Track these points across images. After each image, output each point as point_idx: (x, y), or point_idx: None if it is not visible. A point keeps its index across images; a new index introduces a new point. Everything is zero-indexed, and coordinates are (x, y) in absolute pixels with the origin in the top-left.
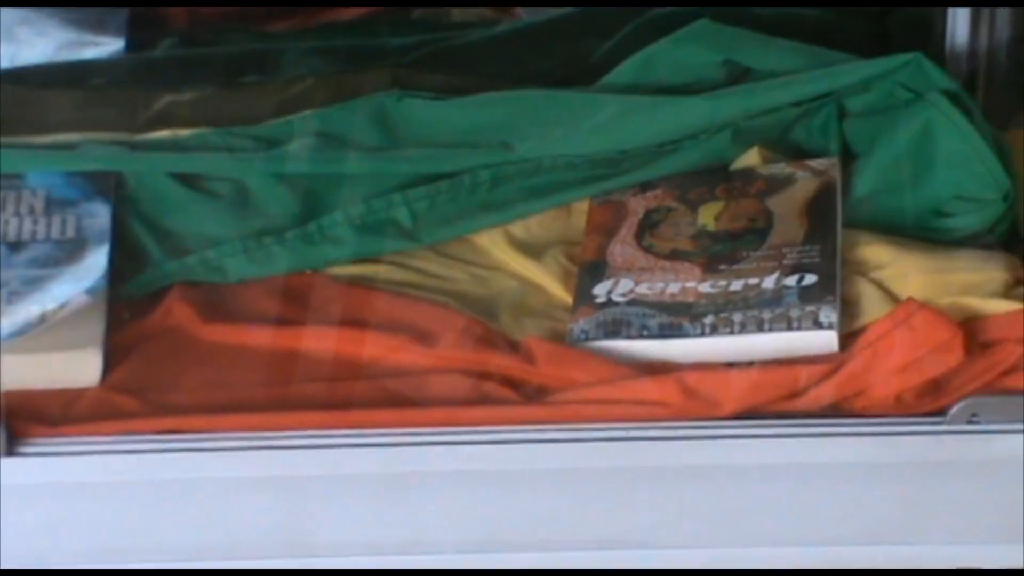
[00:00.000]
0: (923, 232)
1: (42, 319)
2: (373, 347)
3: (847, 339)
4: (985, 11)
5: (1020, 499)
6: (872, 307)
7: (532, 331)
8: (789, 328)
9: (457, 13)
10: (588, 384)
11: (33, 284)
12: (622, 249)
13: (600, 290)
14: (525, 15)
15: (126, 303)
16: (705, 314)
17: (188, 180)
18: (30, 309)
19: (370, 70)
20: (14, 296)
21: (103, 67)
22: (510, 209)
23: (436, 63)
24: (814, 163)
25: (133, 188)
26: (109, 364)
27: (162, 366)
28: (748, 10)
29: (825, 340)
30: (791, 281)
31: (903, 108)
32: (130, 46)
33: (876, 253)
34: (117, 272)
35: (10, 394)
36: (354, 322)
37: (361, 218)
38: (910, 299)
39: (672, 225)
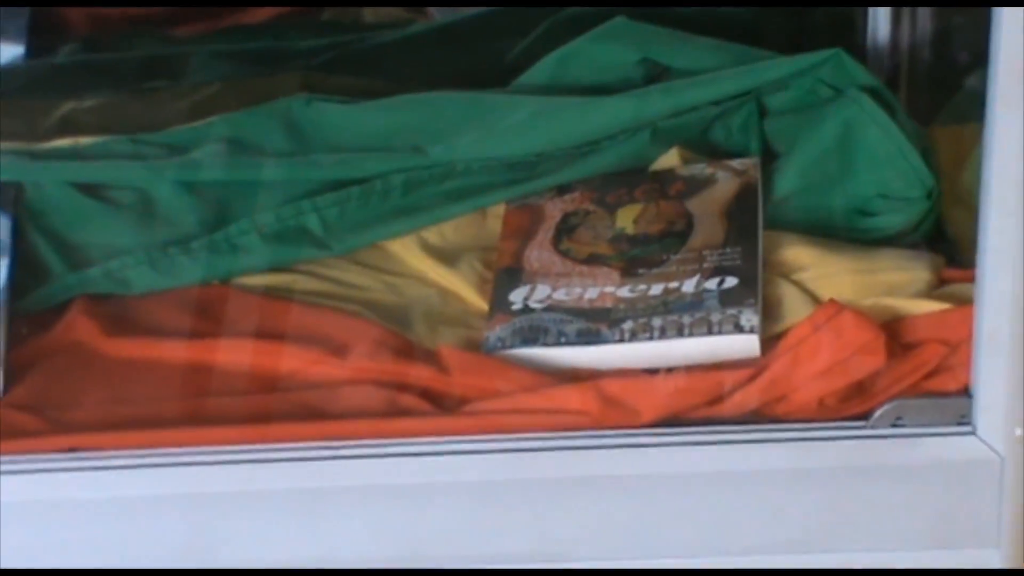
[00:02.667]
0: (847, 232)
1: None
2: (285, 360)
3: (769, 343)
4: (906, 9)
5: (946, 502)
6: (794, 310)
7: (447, 340)
8: (710, 332)
9: (369, 14)
10: (505, 393)
11: None
12: (539, 254)
13: (516, 296)
14: (438, 15)
15: (26, 318)
16: (624, 320)
17: (91, 190)
18: None
19: (279, 74)
20: None
21: (1, 74)
22: (423, 215)
23: (347, 65)
24: (734, 163)
25: (34, 199)
26: (9, 381)
27: (64, 382)
28: (665, 9)
29: (746, 344)
30: (712, 284)
31: (824, 106)
32: (29, 52)
33: (798, 254)
34: (17, 286)
35: None
36: (265, 334)
37: (270, 226)
38: (831, 301)
39: (590, 229)
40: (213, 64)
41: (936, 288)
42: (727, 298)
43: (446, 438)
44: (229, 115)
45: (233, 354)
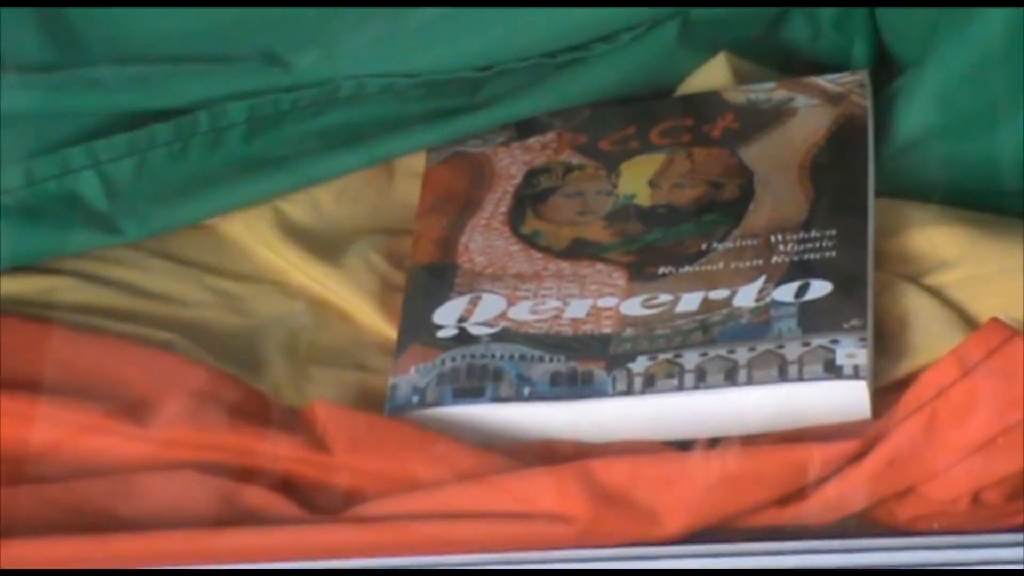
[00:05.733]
0: (1020, 202)
1: None
2: (40, 425)
3: (887, 394)
4: None
5: None
6: (930, 337)
7: (324, 391)
8: (783, 378)
9: None
10: (426, 485)
11: None
12: (484, 240)
13: (446, 314)
14: None
15: None
16: (633, 355)
17: None
18: None
19: None
20: None
21: None
22: (283, 173)
23: None
24: (826, 81)
25: None
26: None
27: None
28: None
29: (848, 397)
30: (786, 293)
31: None
32: None
33: (937, 241)
34: None
35: None
36: (7, 379)
37: (14, 193)
38: (994, 321)
39: (573, 196)
40: None
41: None
42: (813, 317)
43: (321, 562)
44: None
45: None
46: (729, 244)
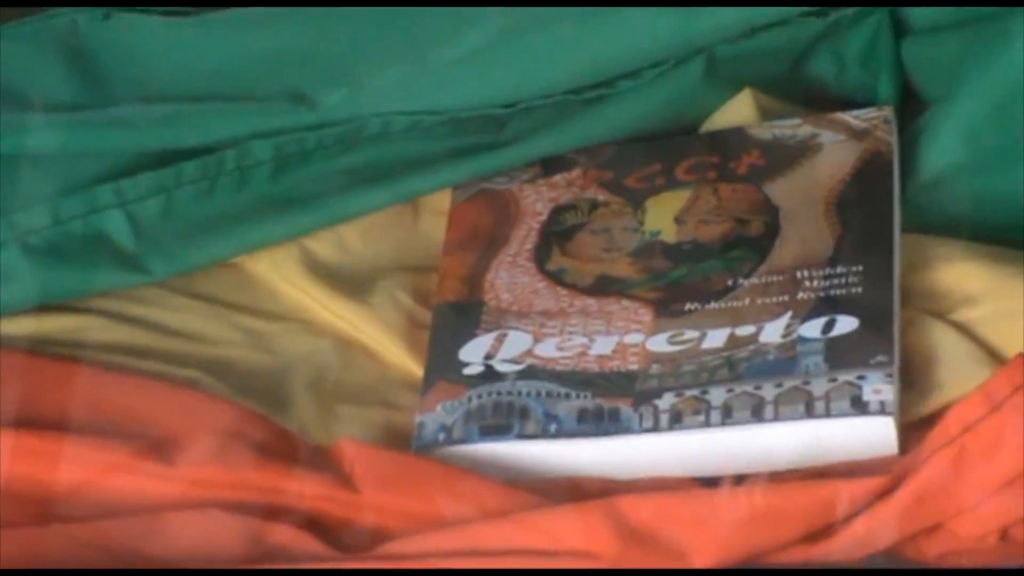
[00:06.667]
0: None
1: None
2: (66, 464)
3: (914, 430)
4: None
5: None
6: (957, 372)
7: (351, 429)
8: (810, 414)
9: None
10: (453, 522)
11: None
12: (510, 277)
13: (472, 352)
14: None
15: None
16: (660, 391)
17: None
18: None
19: None
20: None
21: None
22: (310, 211)
23: None
24: (851, 117)
25: None
26: None
27: None
28: None
29: (875, 433)
30: (813, 329)
31: (1006, 18)
32: None
33: (964, 277)
34: None
35: None
36: (35, 419)
37: (42, 232)
38: (1021, 357)
39: (599, 233)
40: None
41: None
42: (840, 353)
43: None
44: None
45: None
46: (755, 280)
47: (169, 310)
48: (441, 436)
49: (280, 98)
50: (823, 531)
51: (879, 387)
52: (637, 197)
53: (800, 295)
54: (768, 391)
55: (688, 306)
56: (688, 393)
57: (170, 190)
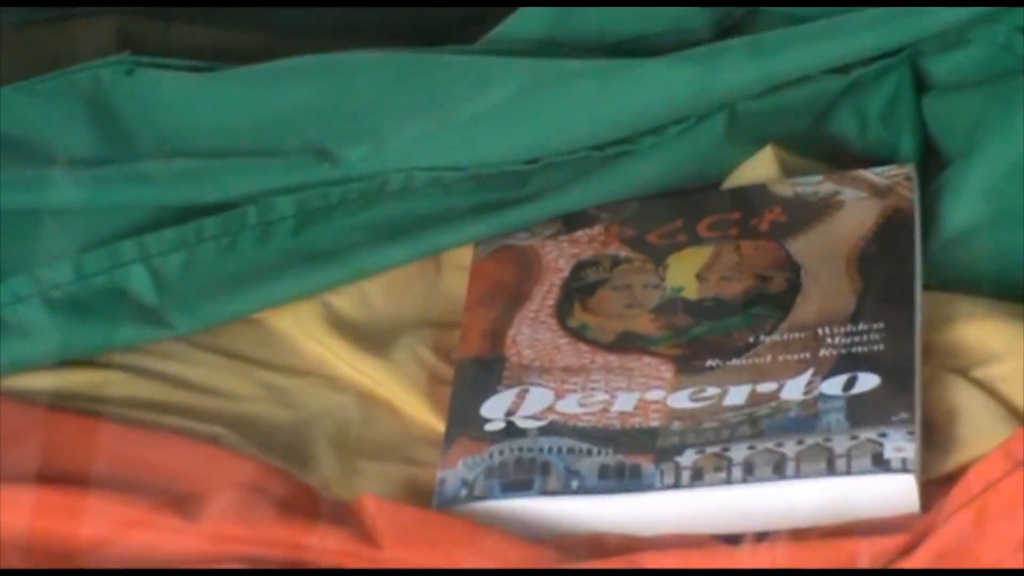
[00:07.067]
0: None
1: None
2: (87, 519)
3: (935, 488)
4: None
5: None
6: (978, 430)
7: (373, 485)
8: (831, 471)
9: None
10: None
11: None
12: (532, 333)
13: (494, 408)
14: None
15: None
16: (682, 448)
17: None
18: None
19: (78, 17)
20: None
21: None
22: (332, 266)
23: (195, 6)
24: (873, 174)
25: None
26: None
27: None
28: None
29: (896, 491)
30: (834, 386)
31: None
32: None
33: (985, 334)
34: None
35: None
36: (57, 474)
37: (64, 287)
38: None
39: (621, 289)
40: None
41: None
42: (862, 410)
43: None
44: None
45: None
46: (777, 337)
47: (191, 365)
48: (463, 492)
49: (303, 153)
50: None
51: (901, 445)
52: (659, 253)
53: (822, 352)
54: (790, 448)
55: (710, 363)
56: (709, 450)
57: (192, 245)
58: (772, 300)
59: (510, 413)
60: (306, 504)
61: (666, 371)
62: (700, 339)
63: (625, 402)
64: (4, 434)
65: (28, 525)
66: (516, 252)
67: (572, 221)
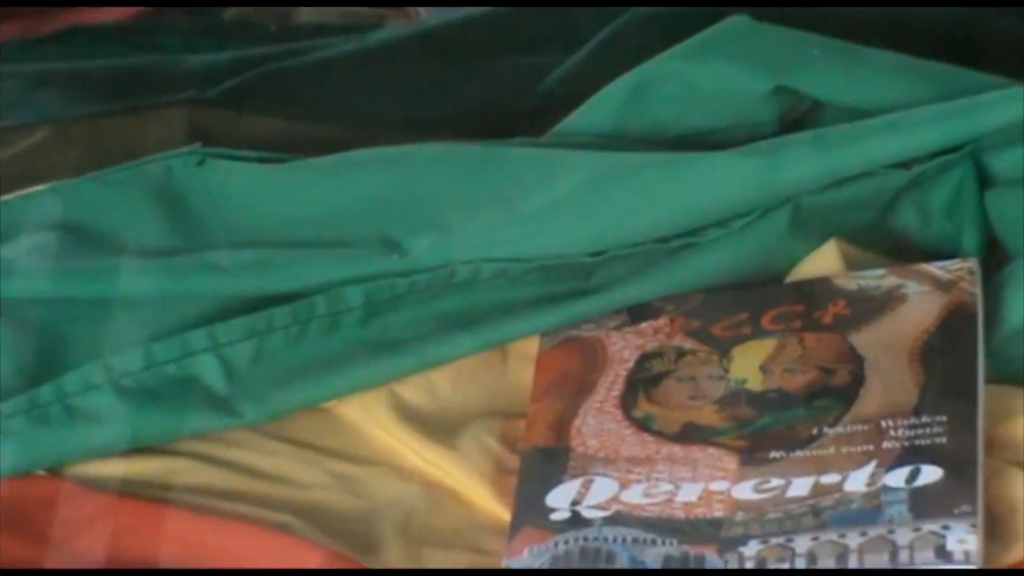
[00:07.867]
0: None
1: None
2: None
3: None
4: None
5: None
6: None
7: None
8: (893, 562)
9: (306, 14)
10: None
11: None
12: (597, 423)
13: (559, 497)
14: (426, 16)
15: None
16: (744, 539)
17: None
18: None
19: (150, 109)
20: None
21: None
22: (399, 357)
23: (266, 96)
24: (936, 268)
25: None
26: None
27: None
28: (803, 10)
29: None
30: (898, 478)
31: None
32: None
33: None
34: None
35: None
36: (126, 561)
37: (134, 376)
38: None
39: (685, 381)
40: (37, 93)
41: None
42: (924, 502)
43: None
44: (61, 183)
45: None
46: (840, 429)
47: (260, 453)
48: None
49: (371, 244)
50: None
51: (963, 537)
52: (724, 345)
53: (885, 444)
54: (852, 540)
55: (773, 454)
56: (773, 541)
57: (262, 334)
58: (835, 392)
59: (575, 503)
60: None
61: (730, 462)
62: (764, 431)
63: (689, 492)
64: (74, 521)
65: None
66: (582, 343)
67: (637, 313)
